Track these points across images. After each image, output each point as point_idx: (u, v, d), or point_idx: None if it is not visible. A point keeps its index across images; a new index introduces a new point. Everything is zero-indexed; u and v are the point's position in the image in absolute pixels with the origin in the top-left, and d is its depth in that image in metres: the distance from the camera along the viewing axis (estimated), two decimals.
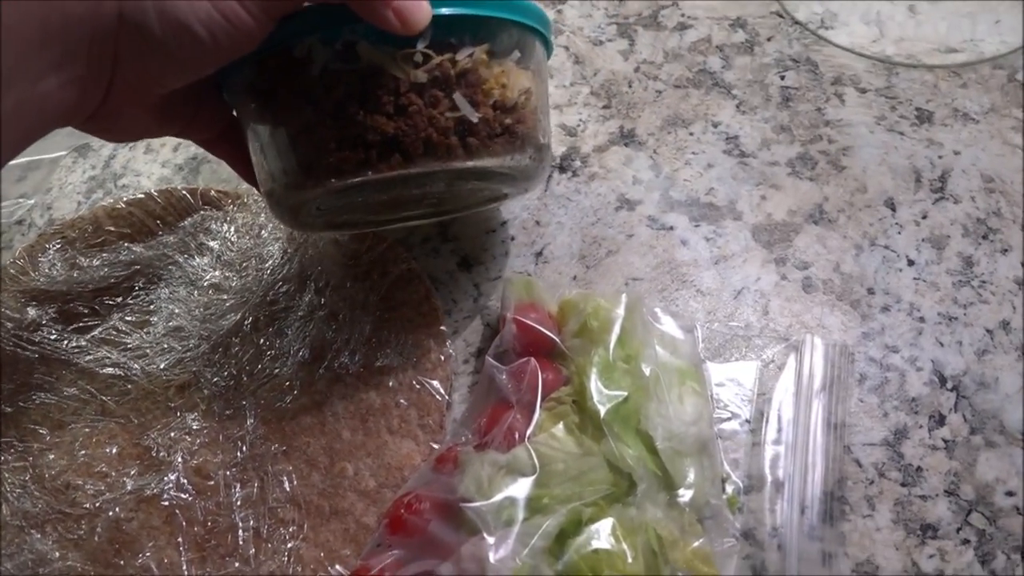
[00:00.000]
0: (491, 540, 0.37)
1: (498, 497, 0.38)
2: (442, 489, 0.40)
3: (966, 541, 0.39)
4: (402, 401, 0.44)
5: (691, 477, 0.40)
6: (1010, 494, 0.40)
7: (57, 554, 0.40)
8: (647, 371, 0.41)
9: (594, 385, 0.40)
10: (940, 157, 0.52)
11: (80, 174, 0.56)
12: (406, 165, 0.36)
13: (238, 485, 0.42)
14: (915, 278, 0.47)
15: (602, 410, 0.40)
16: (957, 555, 0.39)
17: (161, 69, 0.34)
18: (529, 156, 0.40)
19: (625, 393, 0.40)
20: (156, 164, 0.56)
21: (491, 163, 0.38)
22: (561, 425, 0.40)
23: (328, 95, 0.35)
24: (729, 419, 0.44)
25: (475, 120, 0.37)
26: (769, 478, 0.42)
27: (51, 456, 0.43)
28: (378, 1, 0.33)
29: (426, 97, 0.36)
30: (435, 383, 0.45)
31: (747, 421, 0.43)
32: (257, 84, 0.37)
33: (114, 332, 0.47)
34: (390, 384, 0.45)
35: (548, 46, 0.43)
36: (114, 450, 0.43)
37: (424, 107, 0.36)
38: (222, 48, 0.33)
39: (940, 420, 0.43)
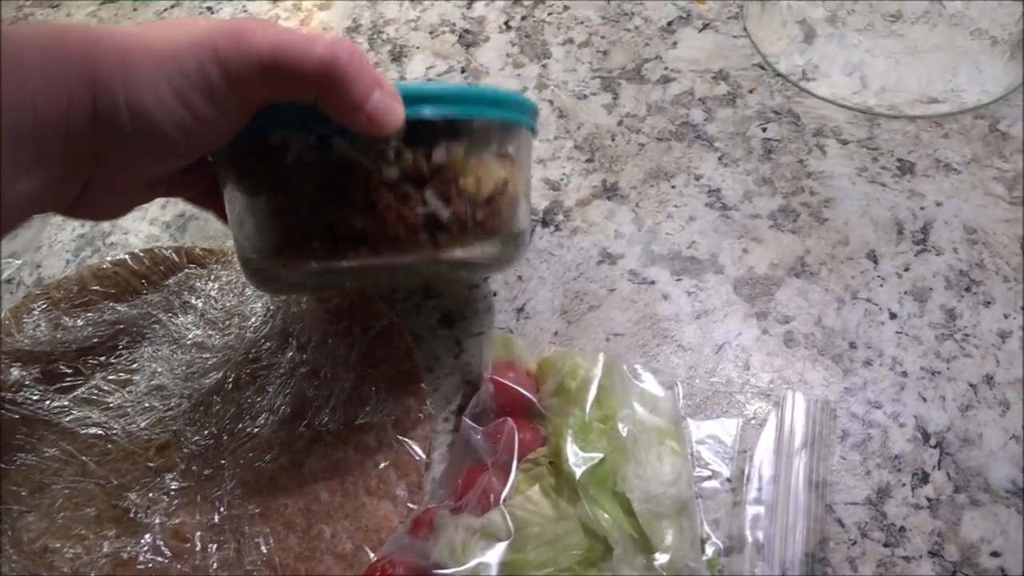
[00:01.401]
0: None
1: (472, 563, 0.38)
2: (417, 554, 0.40)
3: None
4: (381, 461, 0.44)
5: (669, 539, 0.40)
6: (995, 554, 0.40)
7: None
8: (625, 431, 0.41)
9: (570, 447, 0.40)
10: (922, 208, 0.52)
11: (69, 232, 0.57)
12: (374, 257, 0.36)
13: (215, 547, 0.42)
14: (897, 332, 0.47)
15: (578, 472, 0.39)
16: None
17: (138, 163, 0.34)
18: (502, 245, 0.40)
19: (601, 455, 0.40)
20: (144, 222, 0.57)
21: (462, 255, 0.38)
22: (537, 487, 0.40)
23: (302, 184, 0.36)
24: (709, 477, 0.43)
25: (445, 217, 0.37)
26: (750, 539, 0.41)
27: (30, 518, 0.43)
28: (350, 104, 0.33)
29: (398, 193, 0.36)
30: (414, 443, 0.44)
31: (728, 479, 0.43)
32: (234, 162, 0.38)
33: (96, 391, 0.47)
34: (369, 443, 0.45)
35: (533, 131, 0.43)
36: (92, 512, 0.43)
37: (395, 203, 0.36)
38: (195, 145, 0.34)
39: (924, 478, 0.42)
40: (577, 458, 0.40)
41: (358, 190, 0.36)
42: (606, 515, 0.39)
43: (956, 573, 0.39)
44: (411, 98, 0.35)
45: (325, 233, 0.36)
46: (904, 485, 0.42)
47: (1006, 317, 0.47)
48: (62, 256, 0.56)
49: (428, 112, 0.36)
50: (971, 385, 0.45)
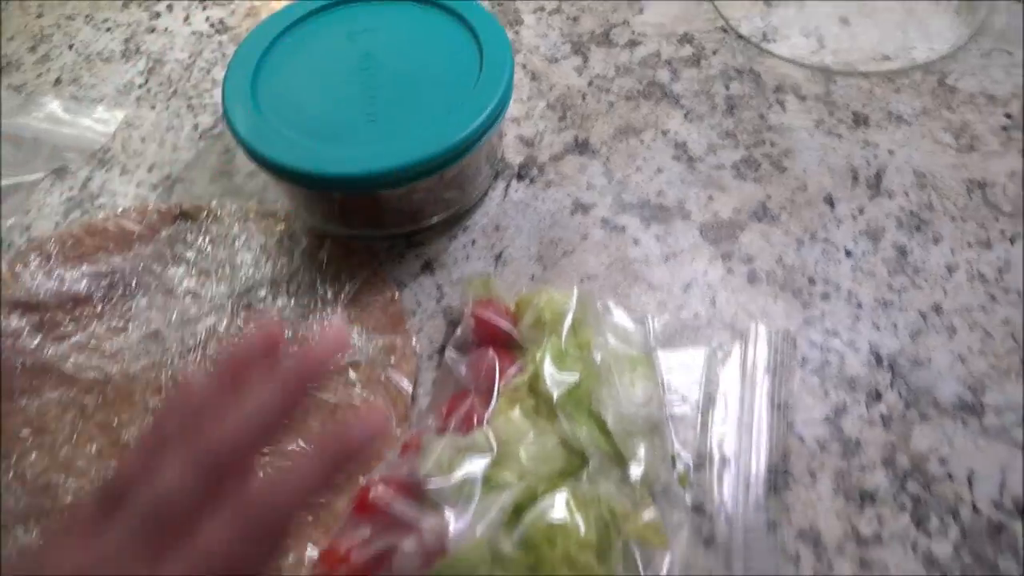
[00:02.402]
0: (451, 515, 0.39)
1: (458, 475, 0.40)
2: (406, 472, 0.42)
3: (902, 506, 0.42)
4: (370, 395, 0.47)
5: (641, 455, 0.42)
6: (943, 462, 0.43)
7: (41, 543, 0.42)
8: (599, 358, 0.44)
9: (547, 370, 0.43)
10: (875, 156, 0.55)
11: (58, 196, 0.58)
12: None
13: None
14: (853, 268, 0.50)
15: (555, 393, 0.42)
16: (894, 519, 0.41)
17: None
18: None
19: (577, 376, 0.43)
20: (132, 184, 0.59)
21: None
22: (518, 409, 0.43)
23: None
24: (680, 403, 0.46)
25: None
26: (717, 455, 0.44)
27: (32, 457, 0.45)
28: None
29: None
30: (401, 377, 0.47)
31: (697, 404, 0.46)
32: None
33: (93, 339, 0.49)
34: (358, 379, 0.47)
35: None
36: (94, 449, 0.45)
37: None
38: None
39: (877, 397, 0.45)
40: (554, 380, 0.42)
41: None
42: (584, 431, 0.41)
43: (907, 479, 0.43)
44: None
45: None
46: (859, 404, 0.45)
47: (953, 252, 0.50)
48: (51, 219, 0.57)
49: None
50: (921, 313, 0.48)
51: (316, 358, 0.34)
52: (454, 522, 0.38)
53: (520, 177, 0.57)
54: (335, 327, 0.36)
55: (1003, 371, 0.46)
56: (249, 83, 0.50)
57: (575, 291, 0.46)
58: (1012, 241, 0.50)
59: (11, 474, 0.44)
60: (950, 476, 0.43)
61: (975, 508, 0.41)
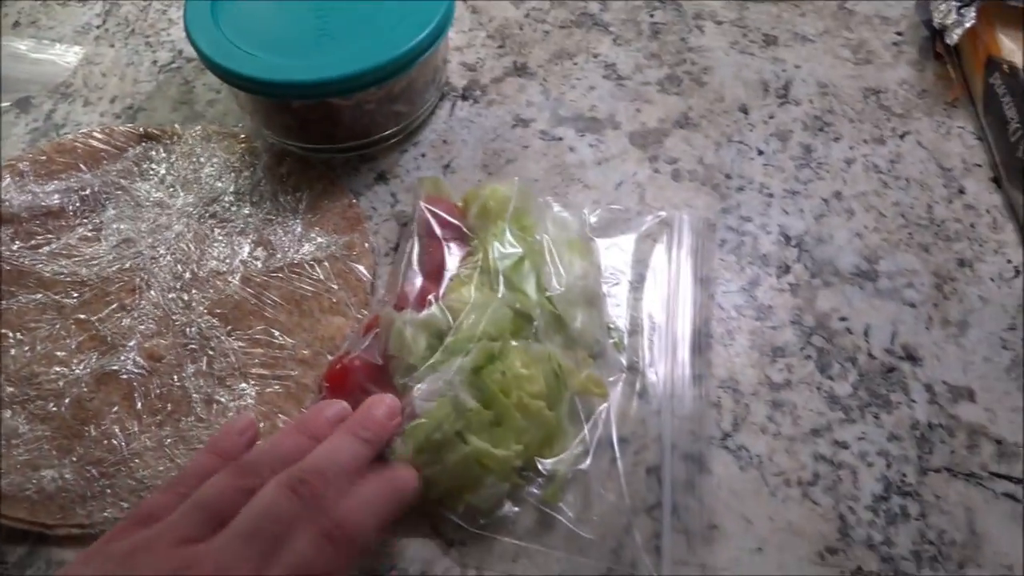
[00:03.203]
0: (418, 380, 0.43)
1: (419, 347, 0.45)
2: (370, 350, 0.46)
3: (808, 357, 0.48)
4: (333, 286, 0.51)
5: (580, 321, 0.47)
6: (843, 319, 0.49)
7: (27, 427, 0.45)
8: (540, 239, 0.49)
9: (494, 247, 0.48)
10: (784, 71, 0.61)
11: (23, 126, 0.61)
12: None
13: (188, 361, 0.48)
14: (764, 164, 0.56)
15: (502, 266, 0.47)
16: (801, 367, 0.47)
17: None
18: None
19: (521, 251, 0.47)
20: (95, 114, 0.62)
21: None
22: (470, 286, 0.47)
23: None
24: (615, 284, 0.51)
25: None
26: (647, 323, 0.49)
27: (13, 352, 0.48)
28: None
29: None
30: (361, 267, 0.51)
31: (629, 282, 0.51)
32: None
33: (68, 247, 0.52)
34: (321, 274, 0.51)
35: None
36: (73, 343, 0.49)
37: None
38: None
39: (786, 269, 0.51)
40: (501, 255, 0.47)
41: None
42: (530, 298, 0.46)
43: (812, 335, 0.49)
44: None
45: None
46: (771, 276, 0.51)
47: (851, 149, 0.57)
48: (17, 147, 0.60)
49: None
50: (823, 199, 0.54)
51: (376, 421, 0.41)
52: (421, 386, 0.43)
53: (464, 98, 0.61)
54: (388, 403, 0.42)
55: (894, 243, 0.52)
56: (209, 7, 0.54)
57: (516, 182, 0.51)
58: (902, 137, 0.57)
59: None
60: (849, 331, 0.49)
61: (870, 355, 0.48)
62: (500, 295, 0.46)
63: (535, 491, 0.42)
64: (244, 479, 0.37)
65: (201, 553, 0.34)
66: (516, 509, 0.42)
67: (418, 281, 0.49)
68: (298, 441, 0.40)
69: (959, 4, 0.56)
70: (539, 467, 0.42)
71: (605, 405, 0.45)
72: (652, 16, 0.66)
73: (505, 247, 0.48)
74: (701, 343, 0.48)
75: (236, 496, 0.36)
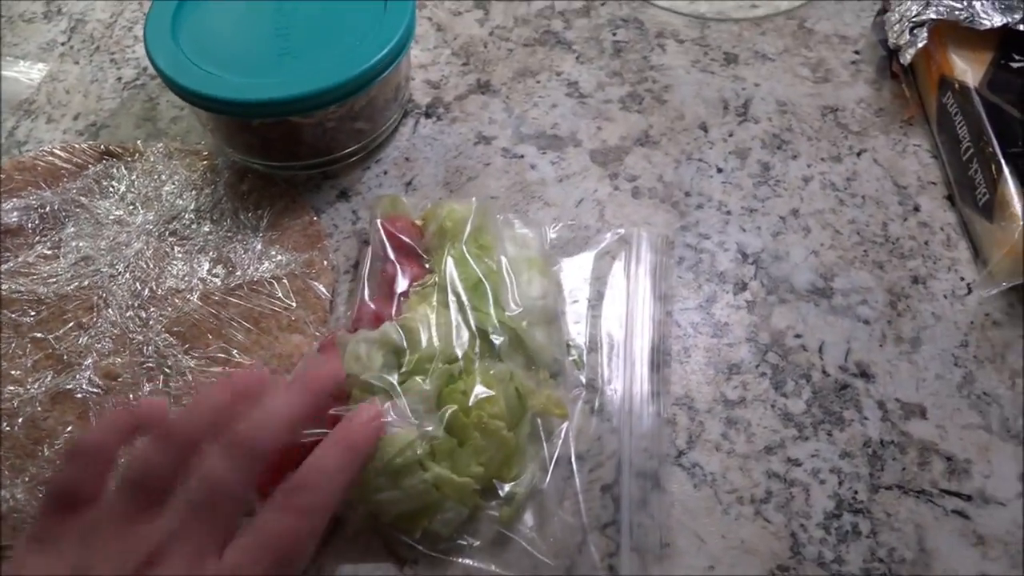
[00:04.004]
0: (382, 404, 0.43)
1: (375, 363, 0.45)
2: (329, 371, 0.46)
3: (763, 374, 0.48)
4: (291, 304, 0.51)
5: (539, 340, 0.47)
6: (798, 336, 0.49)
7: None
8: (499, 259, 0.49)
9: (450, 270, 0.48)
10: (743, 89, 0.62)
11: None
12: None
13: (145, 380, 0.48)
14: (723, 182, 0.57)
15: (460, 288, 0.47)
16: (756, 385, 0.48)
17: None
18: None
19: (479, 273, 0.48)
20: (58, 131, 0.62)
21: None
22: (425, 305, 0.47)
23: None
24: (574, 302, 0.52)
25: None
26: (606, 341, 0.50)
27: None
28: None
29: None
30: (320, 285, 0.51)
31: (588, 299, 0.51)
32: None
33: (25, 266, 0.52)
34: (280, 291, 0.51)
35: None
36: (29, 362, 0.48)
37: None
38: None
39: (743, 287, 0.52)
40: (457, 278, 0.47)
41: None
42: (489, 318, 0.46)
43: (767, 352, 0.49)
44: None
45: None
46: (728, 293, 0.52)
47: (808, 166, 0.57)
48: None
49: None
50: (781, 217, 0.55)
51: (319, 380, 0.41)
52: (386, 413, 0.42)
53: (428, 115, 0.62)
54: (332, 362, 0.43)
55: (849, 261, 0.52)
56: (169, 24, 0.54)
57: (474, 201, 0.51)
58: (858, 155, 0.58)
59: None
60: (804, 348, 0.49)
61: (824, 372, 0.48)
62: (457, 314, 0.46)
63: (492, 512, 0.42)
64: (169, 452, 0.36)
65: (155, 532, 0.34)
66: (473, 533, 0.42)
67: (374, 301, 0.49)
68: (220, 399, 0.39)
69: (912, 24, 0.57)
70: (498, 490, 0.42)
71: (565, 424, 0.46)
72: (615, 35, 0.66)
73: (463, 271, 0.48)
74: (658, 360, 0.49)
75: (165, 470, 0.36)
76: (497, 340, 0.46)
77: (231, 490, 0.35)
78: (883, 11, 0.62)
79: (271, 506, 0.36)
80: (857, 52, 0.64)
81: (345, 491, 0.38)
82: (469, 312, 0.46)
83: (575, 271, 0.53)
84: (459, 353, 0.45)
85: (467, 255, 0.49)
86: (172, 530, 0.34)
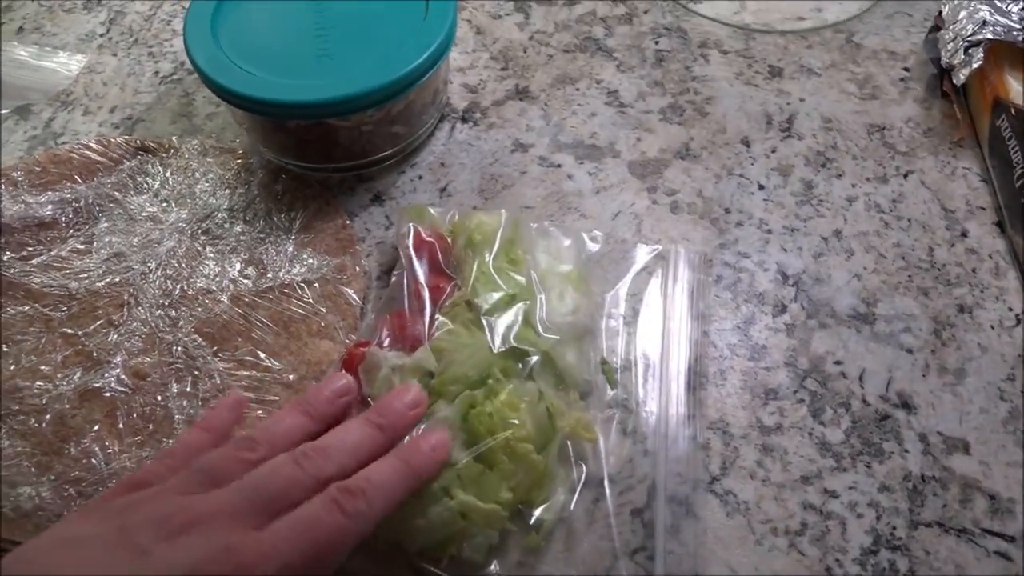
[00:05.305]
0: None
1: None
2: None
3: (801, 400, 0.47)
4: (322, 309, 0.50)
5: (570, 358, 0.46)
6: (838, 363, 0.48)
7: (7, 443, 0.45)
8: (530, 274, 0.48)
9: (479, 286, 0.47)
10: (788, 104, 0.61)
11: (21, 133, 0.61)
12: None
13: (173, 380, 0.47)
14: (765, 199, 0.55)
15: (488, 303, 0.46)
16: (793, 411, 0.46)
17: None
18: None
19: (508, 291, 0.47)
20: (94, 123, 0.61)
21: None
22: (457, 323, 0.46)
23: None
24: (609, 316, 0.51)
25: None
26: (641, 360, 0.49)
27: None
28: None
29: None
30: (351, 291, 0.51)
31: (623, 316, 0.50)
32: None
33: (58, 260, 0.52)
34: (311, 296, 0.51)
35: None
36: (59, 357, 0.48)
37: None
38: None
39: (782, 309, 0.50)
40: (487, 295, 0.46)
41: None
42: (520, 337, 0.45)
43: (806, 378, 0.48)
44: None
45: None
46: (766, 315, 0.50)
47: (853, 186, 0.56)
48: (15, 155, 0.60)
49: None
50: (823, 238, 0.53)
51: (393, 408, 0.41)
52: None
53: (464, 120, 0.61)
54: (412, 392, 0.43)
55: (893, 286, 0.51)
56: (209, 22, 0.53)
57: (503, 213, 0.50)
58: (905, 176, 0.56)
59: None
60: (844, 375, 0.48)
61: (864, 401, 0.47)
62: (486, 333, 0.45)
63: (520, 536, 0.41)
64: (243, 452, 0.37)
65: (200, 500, 0.35)
66: (501, 558, 0.41)
67: (403, 315, 0.48)
68: (298, 419, 0.40)
69: (967, 44, 0.55)
70: (526, 516, 0.41)
71: (596, 444, 0.45)
72: (657, 43, 0.65)
73: (492, 283, 0.47)
74: (693, 382, 0.47)
75: (236, 465, 0.37)
76: (528, 360, 0.45)
77: (290, 484, 0.36)
78: (936, 28, 0.60)
79: (323, 499, 0.36)
80: (906, 69, 0.62)
81: (395, 509, 0.38)
82: (499, 331, 0.45)
83: (610, 286, 0.51)
84: (487, 373, 0.44)
85: (496, 270, 0.48)
86: (221, 505, 0.35)
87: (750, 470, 0.44)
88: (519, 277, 0.48)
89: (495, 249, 0.49)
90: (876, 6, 0.66)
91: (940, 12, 0.60)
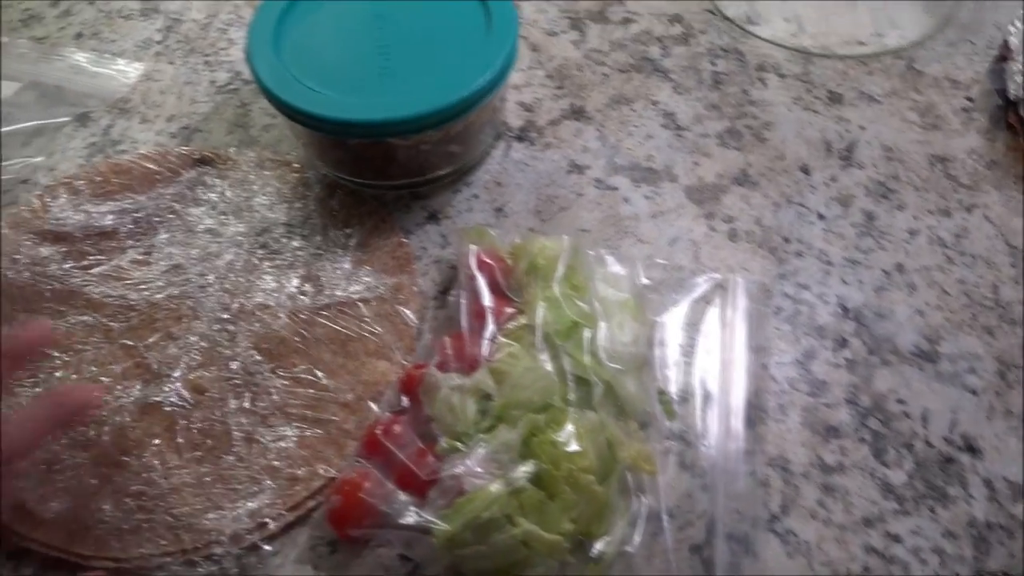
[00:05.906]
0: (466, 459, 0.41)
1: (468, 414, 0.44)
2: (413, 415, 0.45)
3: (863, 439, 0.46)
4: (379, 329, 0.50)
5: (630, 388, 0.46)
6: (901, 401, 0.47)
7: (67, 454, 0.45)
8: (591, 301, 0.48)
9: (542, 312, 0.46)
10: (848, 131, 0.60)
11: (80, 140, 0.61)
12: None
13: (231, 396, 0.47)
14: (824, 229, 0.55)
15: (553, 329, 0.46)
16: (855, 451, 0.46)
17: None
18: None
19: (572, 317, 0.46)
20: (152, 132, 0.62)
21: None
22: (518, 348, 0.46)
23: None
24: (666, 346, 0.50)
25: None
26: (699, 391, 0.48)
27: (60, 373, 0.48)
28: None
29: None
30: (408, 312, 0.51)
31: (680, 346, 0.50)
32: None
33: (118, 270, 0.52)
34: (368, 314, 0.51)
35: None
36: (119, 368, 0.48)
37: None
38: None
39: (843, 343, 0.50)
40: (549, 321, 0.46)
41: None
42: (582, 365, 0.45)
43: (867, 416, 0.47)
44: None
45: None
46: (827, 349, 0.50)
47: (915, 218, 0.55)
48: (75, 161, 0.60)
49: None
50: (885, 271, 0.53)
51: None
52: (470, 466, 0.41)
53: (520, 139, 0.60)
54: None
55: (957, 324, 0.50)
56: (271, 36, 0.53)
57: (565, 239, 0.50)
58: (969, 210, 0.55)
59: (40, 388, 0.47)
60: (907, 415, 0.47)
61: (928, 443, 0.46)
62: (548, 360, 0.45)
63: (577, 565, 0.41)
64: None
65: None
66: None
67: (460, 335, 0.48)
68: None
69: None
70: (588, 548, 0.41)
71: (654, 477, 0.44)
72: (714, 64, 0.64)
73: (556, 314, 0.46)
74: (752, 416, 0.47)
75: None
76: (593, 389, 0.45)
77: None
78: (1002, 58, 0.59)
79: None
80: (969, 99, 0.61)
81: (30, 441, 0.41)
82: (563, 358, 0.45)
83: (668, 315, 0.51)
84: (550, 401, 0.44)
85: (560, 297, 0.47)
86: None
87: (811, 510, 0.44)
88: (582, 304, 0.47)
89: (558, 275, 0.48)
90: (938, 33, 0.65)
91: (1006, 41, 0.60)
